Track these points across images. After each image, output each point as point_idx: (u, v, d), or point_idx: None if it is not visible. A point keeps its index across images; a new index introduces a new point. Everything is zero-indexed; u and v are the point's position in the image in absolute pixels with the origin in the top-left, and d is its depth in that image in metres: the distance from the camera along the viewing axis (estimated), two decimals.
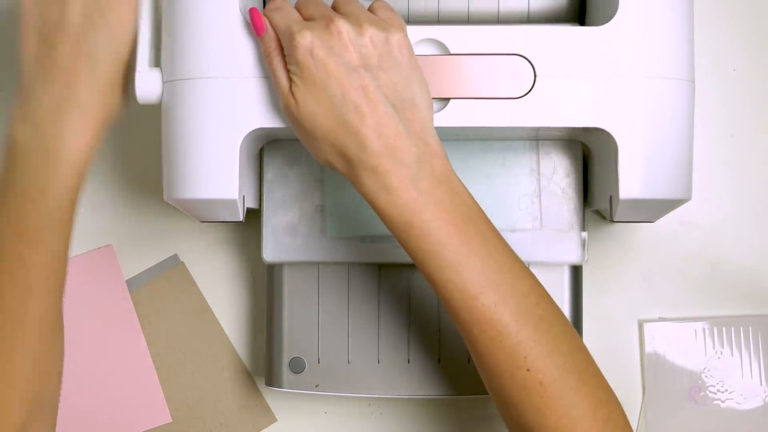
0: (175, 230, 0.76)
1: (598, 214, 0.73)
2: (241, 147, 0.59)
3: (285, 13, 0.57)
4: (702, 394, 0.73)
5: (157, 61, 0.62)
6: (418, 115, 0.56)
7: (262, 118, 0.59)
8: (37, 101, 0.57)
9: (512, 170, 0.68)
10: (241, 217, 0.63)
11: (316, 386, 0.69)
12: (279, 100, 0.57)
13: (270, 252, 0.68)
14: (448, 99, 0.59)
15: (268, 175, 0.68)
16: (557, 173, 0.68)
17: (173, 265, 0.76)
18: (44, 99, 0.57)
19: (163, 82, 0.61)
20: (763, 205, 0.75)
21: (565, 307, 0.68)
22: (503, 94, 0.59)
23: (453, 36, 0.59)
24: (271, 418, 0.75)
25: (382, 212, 0.55)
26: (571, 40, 0.59)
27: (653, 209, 0.62)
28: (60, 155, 0.57)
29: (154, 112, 0.64)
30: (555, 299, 0.57)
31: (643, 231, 0.75)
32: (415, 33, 0.59)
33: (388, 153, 0.54)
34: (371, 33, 0.55)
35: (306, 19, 0.56)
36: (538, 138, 0.68)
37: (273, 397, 0.75)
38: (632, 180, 0.59)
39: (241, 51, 0.59)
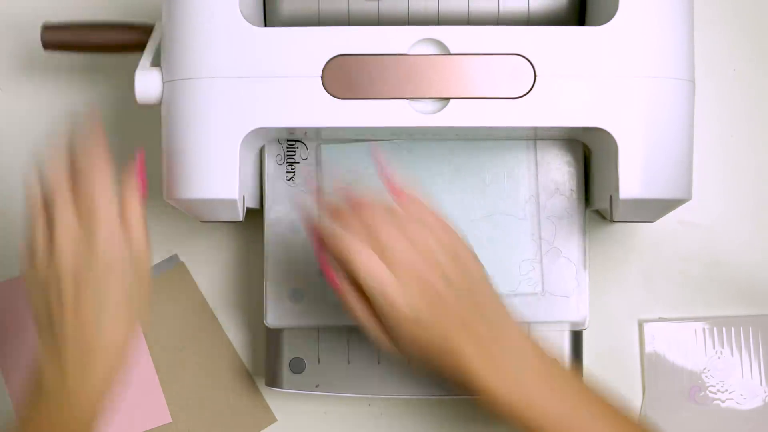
0: (175, 230, 0.76)
1: (598, 214, 0.73)
2: (241, 147, 0.59)
3: (347, 246, 0.55)
4: (702, 394, 0.73)
5: (156, 61, 0.62)
6: (498, 310, 0.57)
7: (262, 118, 0.59)
8: (56, 349, 0.57)
9: (513, 235, 0.67)
10: (241, 217, 0.63)
11: (316, 386, 0.69)
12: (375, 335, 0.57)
13: (272, 317, 0.68)
14: (448, 99, 0.59)
15: (269, 236, 0.68)
16: (558, 237, 0.68)
17: (173, 265, 0.76)
18: (62, 349, 0.57)
19: (163, 82, 0.61)
20: (763, 205, 0.75)
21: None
22: (503, 94, 0.59)
23: (453, 36, 0.59)
24: (271, 418, 0.75)
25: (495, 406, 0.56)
26: (571, 40, 0.59)
27: (653, 209, 0.62)
28: (80, 397, 0.57)
29: (154, 112, 0.64)
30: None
31: (643, 231, 0.75)
32: (415, 33, 0.59)
33: (488, 364, 0.55)
34: (445, 261, 0.56)
35: (367, 231, 0.55)
36: (537, 138, 0.68)
37: (273, 397, 0.75)
38: (632, 180, 0.59)
39: (241, 51, 0.59)
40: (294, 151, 0.68)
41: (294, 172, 0.68)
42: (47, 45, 0.67)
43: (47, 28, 0.67)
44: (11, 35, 0.77)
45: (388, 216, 0.56)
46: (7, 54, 0.77)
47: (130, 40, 0.66)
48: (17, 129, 0.77)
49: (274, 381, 0.69)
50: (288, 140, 0.68)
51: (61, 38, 0.67)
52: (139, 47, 0.65)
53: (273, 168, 0.68)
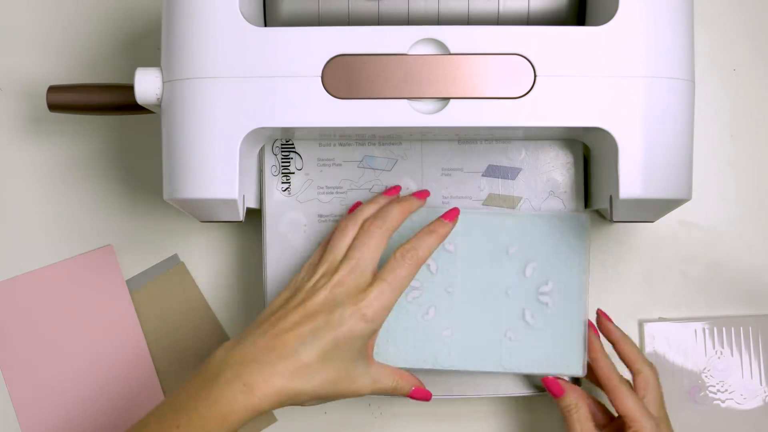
0: (175, 230, 0.76)
1: (598, 214, 0.73)
2: (241, 147, 0.59)
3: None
4: (702, 394, 0.73)
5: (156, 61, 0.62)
6: None
7: (262, 118, 0.59)
8: (243, 352, 0.59)
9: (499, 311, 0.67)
10: (241, 217, 0.63)
11: None
12: None
13: None
14: (448, 99, 0.59)
15: (269, 236, 0.68)
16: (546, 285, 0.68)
17: (173, 265, 0.76)
18: (250, 348, 0.59)
19: (163, 82, 0.61)
20: (763, 205, 0.75)
21: None
22: (503, 94, 0.59)
23: (453, 36, 0.59)
24: (271, 418, 0.75)
25: None
26: (571, 40, 0.59)
27: (653, 209, 0.62)
28: (248, 397, 0.57)
29: (153, 119, 0.64)
30: None
31: (643, 231, 0.75)
32: (415, 33, 0.59)
33: None
34: None
35: None
36: (537, 138, 0.68)
37: None
38: (632, 180, 0.59)
39: (241, 51, 0.59)
40: (288, 162, 0.68)
41: (289, 183, 0.68)
42: (52, 106, 0.68)
43: (52, 89, 0.68)
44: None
45: None
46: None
47: (133, 100, 0.64)
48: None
49: None
50: (282, 150, 0.68)
51: (65, 99, 0.67)
52: (143, 108, 0.65)
53: (268, 178, 0.68)
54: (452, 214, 0.64)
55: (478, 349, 0.66)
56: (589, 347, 0.66)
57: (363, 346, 0.60)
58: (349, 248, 0.62)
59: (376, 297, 0.59)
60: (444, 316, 0.66)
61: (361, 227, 0.63)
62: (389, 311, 0.60)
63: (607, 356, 0.66)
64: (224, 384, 0.57)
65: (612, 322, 0.68)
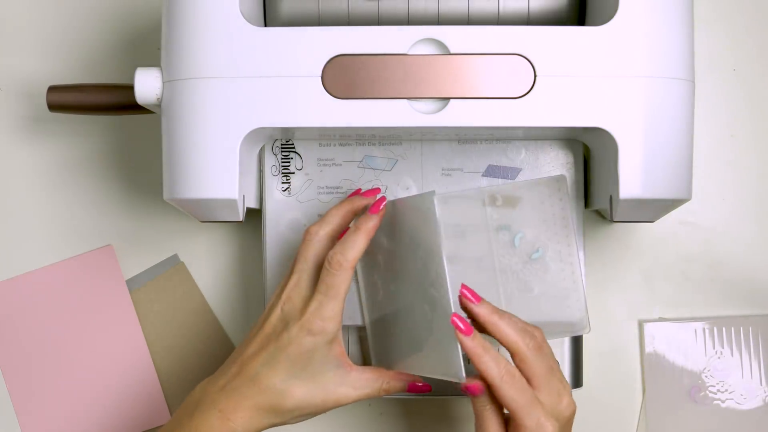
0: (175, 230, 0.76)
1: (598, 214, 0.73)
2: (241, 147, 0.59)
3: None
4: (702, 394, 0.73)
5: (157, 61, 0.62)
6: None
7: (262, 118, 0.59)
8: (219, 380, 0.62)
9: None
10: (241, 217, 0.63)
11: None
12: None
13: None
14: (448, 99, 0.59)
15: (269, 236, 0.68)
16: (555, 238, 0.67)
17: (173, 265, 0.76)
18: (224, 377, 0.62)
19: (163, 82, 0.61)
20: (763, 206, 0.75)
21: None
22: (503, 94, 0.59)
23: (453, 36, 0.59)
24: None
25: None
26: (571, 40, 0.59)
27: (653, 209, 0.62)
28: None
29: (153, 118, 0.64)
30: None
31: (643, 231, 0.75)
32: (415, 33, 0.59)
33: None
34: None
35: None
36: (537, 138, 0.68)
37: None
38: (632, 180, 0.59)
39: (241, 51, 0.59)
40: (288, 162, 0.68)
41: (289, 183, 0.68)
42: (52, 106, 0.68)
43: (52, 89, 0.68)
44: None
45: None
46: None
47: (133, 100, 0.64)
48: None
49: None
50: (282, 150, 0.68)
51: (65, 99, 0.68)
52: (143, 108, 0.65)
53: (268, 178, 0.68)
54: (377, 207, 0.62)
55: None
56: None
57: (325, 357, 0.60)
58: (294, 260, 0.62)
59: (316, 310, 0.60)
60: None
61: (303, 236, 0.63)
62: (337, 319, 0.60)
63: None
64: (203, 412, 0.60)
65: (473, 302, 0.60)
